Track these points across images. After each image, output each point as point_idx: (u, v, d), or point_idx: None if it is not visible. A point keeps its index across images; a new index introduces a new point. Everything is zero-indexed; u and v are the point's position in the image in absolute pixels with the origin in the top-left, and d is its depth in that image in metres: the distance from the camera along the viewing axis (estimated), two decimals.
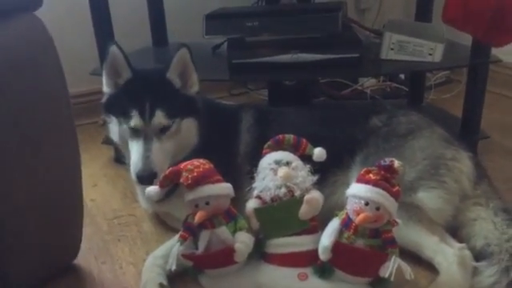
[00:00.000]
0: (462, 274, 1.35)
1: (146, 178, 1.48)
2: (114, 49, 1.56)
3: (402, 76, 2.93)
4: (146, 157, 1.49)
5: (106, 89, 1.63)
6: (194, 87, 1.63)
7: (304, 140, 1.49)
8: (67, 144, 1.39)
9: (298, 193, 1.38)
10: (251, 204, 1.42)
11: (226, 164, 1.53)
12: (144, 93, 1.54)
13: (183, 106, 1.59)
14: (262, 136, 1.62)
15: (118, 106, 1.57)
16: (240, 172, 1.61)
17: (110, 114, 1.61)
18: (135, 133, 1.53)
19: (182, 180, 1.33)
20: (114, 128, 1.60)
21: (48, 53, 1.32)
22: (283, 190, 1.38)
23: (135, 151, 1.53)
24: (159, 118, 1.52)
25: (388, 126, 1.69)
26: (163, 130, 1.54)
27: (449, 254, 1.38)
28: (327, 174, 1.60)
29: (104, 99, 1.64)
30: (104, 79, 1.62)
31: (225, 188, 1.37)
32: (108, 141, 2.27)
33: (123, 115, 1.54)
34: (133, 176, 1.52)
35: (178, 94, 1.59)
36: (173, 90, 1.58)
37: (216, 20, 2.03)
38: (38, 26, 1.30)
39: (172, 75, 1.58)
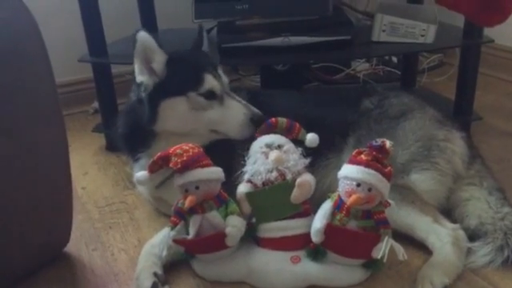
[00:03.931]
0: (456, 254, 1.34)
1: (261, 117, 1.50)
2: (142, 34, 1.50)
3: (395, 60, 2.92)
4: (245, 104, 1.55)
5: (141, 77, 1.55)
6: None
7: (297, 124, 1.46)
8: (54, 131, 1.36)
9: (289, 176, 1.36)
10: (242, 188, 1.40)
11: (223, 146, 1.56)
12: (200, 62, 1.59)
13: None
14: None
15: (180, 82, 1.53)
16: (235, 154, 1.59)
17: (165, 97, 1.53)
18: (213, 97, 1.54)
19: (171, 165, 1.31)
20: (175, 109, 1.53)
21: (32, 38, 1.29)
22: (274, 173, 1.36)
23: (231, 107, 1.54)
24: (223, 74, 1.60)
25: (380, 108, 1.68)
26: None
27: (442, 234, 1.37)
28: (319, 157, 1.59)
29: (147, 90, 1.55)
30: (136, 67, 1.55)
31: (215, 172, 1.35)
32: (99, 129, 2.26)
33: (194, 86, 1.52)
34: (245, 126, 1.51)
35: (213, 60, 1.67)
36: (210, 57, 1.67)
37: (205, 3, 2.00)
38: (21, 9, 1.27)
39: (205, 48, 1.70)
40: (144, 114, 1.55)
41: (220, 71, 1.60)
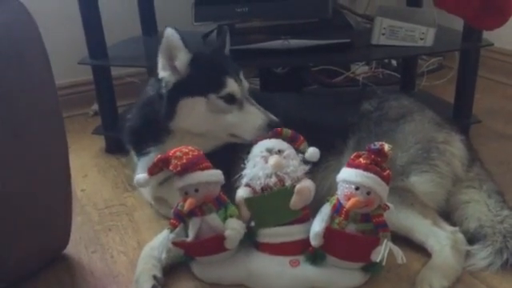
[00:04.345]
0: (455, 257, 1.35)
1: (278, 124, 1.50)
2: (169, 31, 1.52)
3: (394, 63, 2.92)
4: (263, 110, 1.55)
5: (163, 73, 1.57)
6: None
7: (301, 136, 1.44)
8: (54, 134, 1.37)
9: (288, 182, 1.34)
10: (241, 192, 1.38)
11: (224, 149, 1.58)
12: (223, 64, 1.60)
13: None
14: None
15: (202, 83, 1.54)
16: (235, 157, 1.59)
17: (184, 97, 1.54)
18: (233, 101, 1.55)
19: (171, 167, 1.32)
20: (194, 109, 1.54)
21: (33, 40, 1.29)
22: (273, 179, 1.34)
23: (249, 113, 1.55)
24: (244, 79, 1.61)
25: (379, 111, 1.68)
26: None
27: (441, 237, 1.38)
28: (319, 160, 1.58)
29: (167, 87, 1.56)
30: (160, 63, 1.57)
31: (214, 175, 1.35)
32: (99, 131, 2.26)
33: (215, 88, 1.53)
34: (263, 130, 1.50)
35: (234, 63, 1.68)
36: (233, 61, 1.68)
37: (205, 6, 2.01)
38: (22, 12, 1.27)
39: (227, 51, 1.72)
40: (162, 109, 1.56)
41: (242, 76, 1.61)
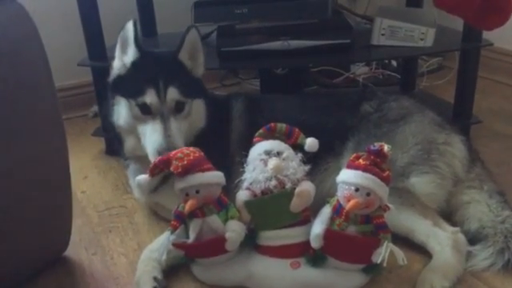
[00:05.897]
0: (455, 258, 1.35)
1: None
2: (129, 24, 1.55)
3: (395, 63, 2.92)
4: (167, 134, 1.47)
5: (116, 62, 1.59)
6: (201, 69, 1.64)
7: (296, 129, 1.44)
8: (54, 135, 1.36)
9: (288, 185, 1.33)
10: (241, 196, 1.37)
11: (221, 152, 1.56)
12: (157, 72, 1.53)
13: (194, 87, 1.59)
14: (252, 123, 1.60)
15: (128, 85, 1.54)
16: (233, 160, 1.58)
17: (117, 94, 1.56)
18: (148, 112, 1.50)
19: (172, 168, 1.31)
20: (121, 110, 1.55)
21: (32, 41, 1.29)
22: (273, 182, 1.33)
23: (153, 129, 1.49)
24: (173, 94, 1.51)
25: (379, 112, 1.68)
26: (178, 109, 1.53)
27: (442, 237, 1.38)
28: (319, 161, 1.59)
29: (111, 78, 1.60)
30: (116, 52, 1.59)
31: (215, 176, 1.35)
32: (98, 133, 2.26)
33: (134, 94, 1.50)
34: (152, 154, 1.45)
35: (189, 75, 1.60)
36: (184, 70, 1.59)
37: (205, 7, 2.01)
38: (21, 13, 1.27)
39: (183, 57, 1.59)
40: (109, 103, 1.59)
41: (172, 90, 1.51)
